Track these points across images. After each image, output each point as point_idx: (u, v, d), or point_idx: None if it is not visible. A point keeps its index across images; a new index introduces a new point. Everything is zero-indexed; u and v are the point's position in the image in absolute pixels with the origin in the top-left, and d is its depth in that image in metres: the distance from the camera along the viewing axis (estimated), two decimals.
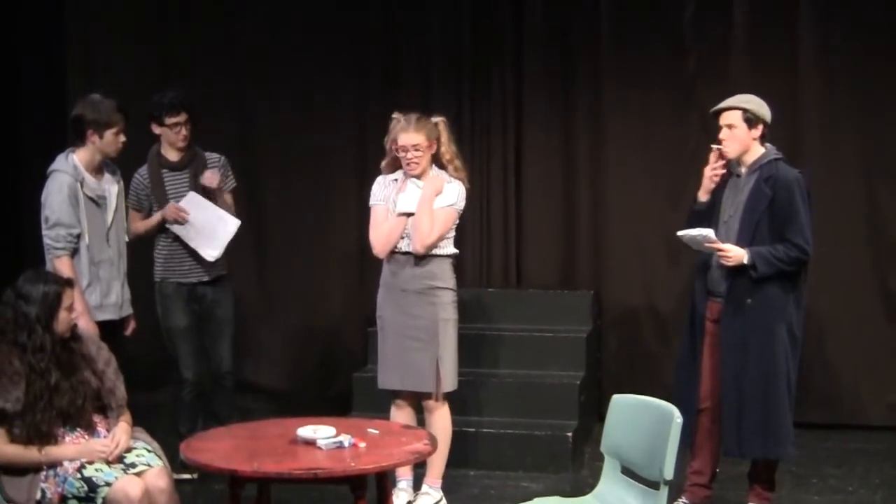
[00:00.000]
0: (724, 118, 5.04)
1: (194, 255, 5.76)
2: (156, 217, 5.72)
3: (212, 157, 5.89)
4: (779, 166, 5.01)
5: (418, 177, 5.30)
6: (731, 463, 5.43)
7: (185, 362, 5.84)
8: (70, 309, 4.30)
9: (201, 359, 5.91)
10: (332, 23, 7.55)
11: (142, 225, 5.78)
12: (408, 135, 5.23)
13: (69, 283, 4.39)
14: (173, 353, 5.88)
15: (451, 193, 5.30)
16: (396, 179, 5.36)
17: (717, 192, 5.14)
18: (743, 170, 5.06)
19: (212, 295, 5.85)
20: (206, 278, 5.81)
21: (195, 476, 5.66)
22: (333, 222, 7.57)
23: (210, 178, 5.72)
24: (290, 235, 7.68)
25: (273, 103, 7.64)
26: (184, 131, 5.73)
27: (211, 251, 5.74)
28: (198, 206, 5.70)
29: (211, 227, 5.72)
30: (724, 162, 5.06)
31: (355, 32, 7.55)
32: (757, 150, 5.05)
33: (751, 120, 5.00)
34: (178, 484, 4.42)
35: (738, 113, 5.01)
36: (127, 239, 5.51)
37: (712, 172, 5.09)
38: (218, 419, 5.71)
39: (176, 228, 5.70)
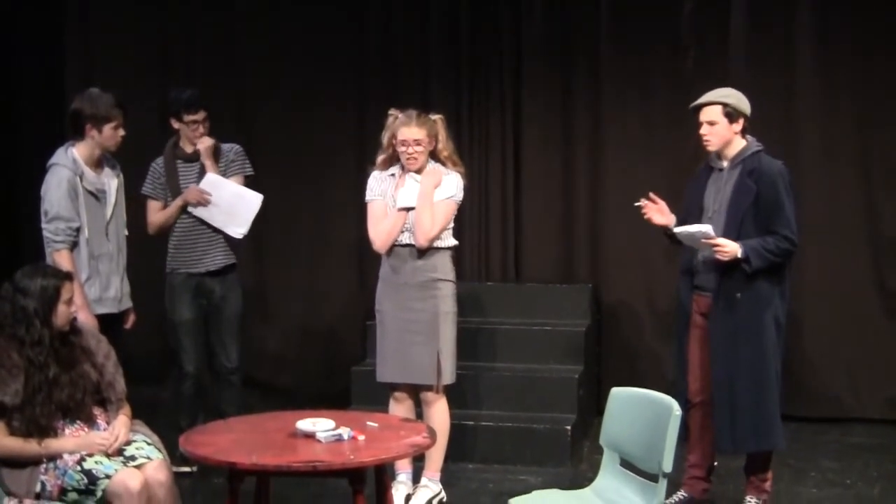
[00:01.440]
0: (705, 114, 5.04)
1: (206, 243, 5.80)
2: (177, 202, 5.77)
3: (226, 146, 5.92)
4: (761, 158, 5.00)
5: (417, 172, 5.31)
6: (729, 457, 5.44)
7: (187, 356, 5.87)
8: (69, 303, 4.29)
9: (203, 353, 5.92)
10: (331, 22, 7.56)
11: (162, 215, 5.83)
12: (410, 129, 5.24)
13: (68, 276, 4.38)
14: (176, 345, 5.91)
15: (450, 185, 5.31)
16: (394, 174, 5.37)
17: (699, 188, 5.14)
18: (725, 164, 5.06)
19: (220, 291, 5.87)
20: (213, 268, 5.83)
21: (194, 469, 5.66)
22: (332, 218, 7.58)
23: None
24: (290, 231, 7.69)
25: (273, 102, 7.64)
26: (201, 129, 5.79)
27: (238, 228, 5.79)
28: (218, 187, 5.74)
29: (234, 206, 5.76)
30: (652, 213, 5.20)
31: (355, 32, 7.56)
32: (738, 144, 5.04)
33: (731, 114, 5.00)
34: (177, 477, 4.42)
35: (718, 108, 5.00)
36: (126, 233, 5.50)
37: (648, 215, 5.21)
38: (222, 416, 5.70)
39: (199, 211, 5.75)
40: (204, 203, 5.72)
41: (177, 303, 5.85)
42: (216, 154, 5.84)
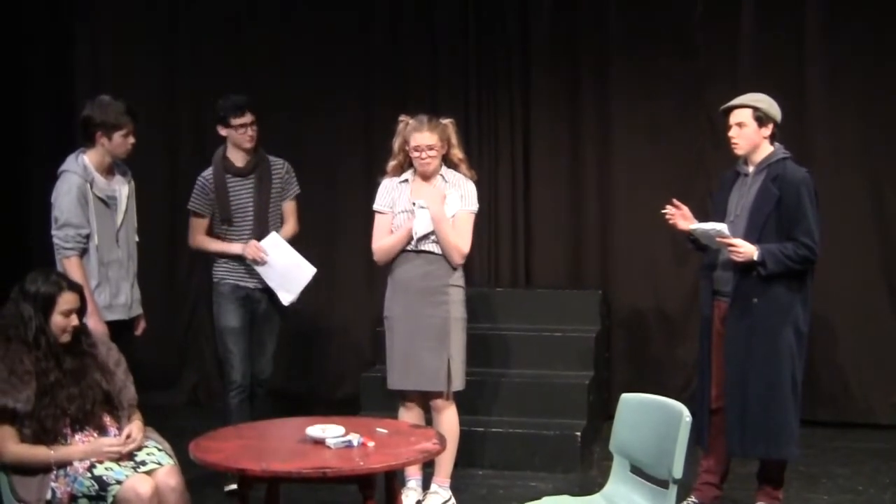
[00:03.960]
0: (734, 116, 5.04)
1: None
2: (234, 248, 5.67)
3: (276, 162, 5.85)
4: (787, 165, 5.00)
5: (432, 174, 5.31)
6: (739, 463, 5.43)
7: (233, 365, 5.74)
8: (67, 314, 4.23)
9: (249, 362, 5.79)
10: (338, 27, 7.56)
11: (214, 245, 5.75)
12: (422, 135, 5.25)
13: (72, 287, 4.31)
14: (224, 353, 5.81)
15: (468, 197, 5.33)
16: (406, 180, 5.37)
17: (725, 192, 5.15)
18: (750, 169, 5.06)
19: (266, 304, 5.80)
20: (262, 286, 5.75)
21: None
22: (341, 224, 7.58)
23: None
24: (298, 238, 7.67)
25: (279, 106, 7.63)
26: (249, 132, 5.70)
27: (286, 294, 5.73)
28: (277, 248, 5.68)
29: (288, 271, 5.71)
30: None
31: (362, 36, 7.56)
32: (766, 149, 5.04)
33: (761, 119, 5.00)
34: (189, 483, 4.40)
35: (749, 111, 5.00)
36: (136, 239, 5.49)
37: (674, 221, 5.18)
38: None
39: (256, 267, 5.67)
40: (260, 262, 5.64)
41: (224, 311, 5.76)
42: (265, 168, 5.75)
